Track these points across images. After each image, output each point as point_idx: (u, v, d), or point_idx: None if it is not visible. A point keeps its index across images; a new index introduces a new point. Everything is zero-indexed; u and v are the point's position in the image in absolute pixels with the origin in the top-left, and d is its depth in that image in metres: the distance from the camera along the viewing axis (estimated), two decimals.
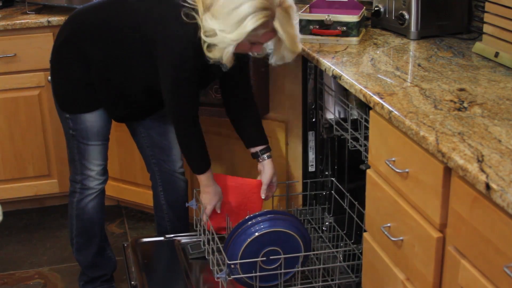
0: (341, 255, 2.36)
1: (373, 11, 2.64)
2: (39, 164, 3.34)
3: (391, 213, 1.86)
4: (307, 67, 2.55)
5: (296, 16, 2.21)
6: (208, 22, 2.10)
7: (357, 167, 2.19)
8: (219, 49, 2.12)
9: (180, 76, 2.22)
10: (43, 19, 3.15)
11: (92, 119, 2.43)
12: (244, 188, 2.52)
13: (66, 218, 3.39)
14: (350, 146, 2.30)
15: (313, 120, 2.61)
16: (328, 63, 2.24)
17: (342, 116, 2.42)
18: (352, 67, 2.20)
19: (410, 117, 1.72)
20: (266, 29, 2.11)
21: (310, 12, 2.60)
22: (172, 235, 2.65)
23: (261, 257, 2.21)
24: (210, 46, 2.13)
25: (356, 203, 2.35)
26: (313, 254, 2.44)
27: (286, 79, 2.66)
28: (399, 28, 2.55)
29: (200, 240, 2.50)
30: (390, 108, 1.79)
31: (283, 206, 2.68)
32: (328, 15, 2.48)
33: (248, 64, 2.47)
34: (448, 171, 1.57)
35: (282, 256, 2.22)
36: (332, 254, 2.45)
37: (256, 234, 2.21)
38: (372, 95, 1.91)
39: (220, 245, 2.25)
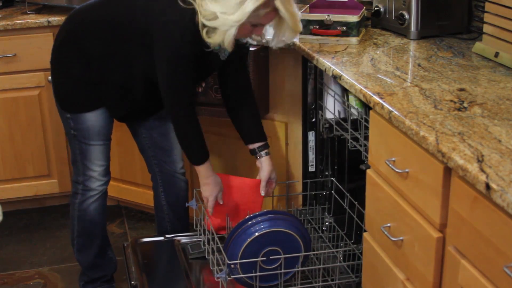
0: (341, 255, 2.36)
1: (373, 11, 2.65)
2: (39, 164, 3.34)
3: (391, 213, 1.86)
4: (307, 67, 2.55)
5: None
6: (208, 6, 2.10)
7: (357, 167, 2.19)
8: (220, 32, 2.11)
9: (177, 61, 2.21)
10: (43, 19, 3.15)
11: (93, 119, 2.43)
12: (244, 188, 2.52)
13: (66, 218, 3.40)
14: (350, 146, 2.30)
15: (313, 120, 2.61)
16: (328, 63, 2.24)
17: (342, 116, 2.41)
18: (352, 67, 2.20)
19: (410, 117, 1.72)
20: (267, 9, 2.11)
21: (310, 12, 2.60)
22: (172, 235, 2.65)
23: (261, 257, 2.21)
24: (210, 31, 2.13)
25: (356, 203, 2.35)
26: (313, 254, 2.44)
27: (286, 79, 2.66)
28: (399, 28, 2.55)
29: (200, 240, 2.51)
30: (390, 108, 1.79)
31: (283, 206, 2.68)
32: (328, 15, 2.48)
33: (247, 58, 2.46)
34: (448, 171, 1.57)
35: (282, 256, 2.22)
36: (332, 254, 2.45)
37: (256, 234, 2.21)
38: (372, 95, 1.91)
39: (220, 245, 2.25)
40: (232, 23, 2.08)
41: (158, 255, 2.62)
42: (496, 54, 2.15)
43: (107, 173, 2.55)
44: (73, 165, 2.55)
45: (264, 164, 2.46)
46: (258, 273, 2.20)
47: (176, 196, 2.68)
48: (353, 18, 2.46)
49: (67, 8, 3.28)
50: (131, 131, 2.66)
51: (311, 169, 2.69)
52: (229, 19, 2.07)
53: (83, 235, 2.60)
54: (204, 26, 2.13)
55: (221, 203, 2.46)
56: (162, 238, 2.65)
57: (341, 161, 2.63)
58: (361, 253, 2.19)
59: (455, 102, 1.82)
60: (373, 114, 1.93)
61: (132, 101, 2.44)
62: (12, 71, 3.19)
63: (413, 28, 2.49)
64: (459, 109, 1.76)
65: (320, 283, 2.30)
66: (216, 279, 2.20)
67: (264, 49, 2.64)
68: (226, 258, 2.19)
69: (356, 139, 2.26)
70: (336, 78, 2.17)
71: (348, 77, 2.08)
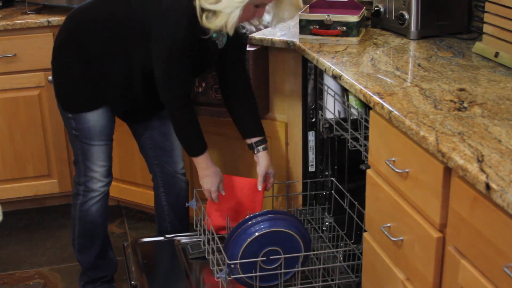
0: (341, 255, 2.36)
1: (373, 11, 2.65)
2: (39, 164, 3.34)
3: (391, 213, 1.86)
4: (307, 67, 2.55)
5: None
6: None
7: (357, 167, 2.19)
8: (223, 15, 2.12)
9: (172, 47, 2.20)
10: (43, 19, 3.15)
11: (95, 118, 2.43)
12: (244, 188, 2.52)
13: (66, 218, 3.40)
14: (350, 146, 2.30)
15: (313, 120, 2.61)
16: (328, 63, 2.24)
17: (342, 116, 2.41)
18: (352, 67, 2.20)
19: (410, 117, 1.72)
20: None
21: (310, 12, 2.60)
22: (172, 235, 2.65)
23: (261, 257, 2.21)
24: (210, 16, 2.14)
25: (356, 203, 2.35)
26: (313, 254, 2.44)
27: (286, 79, 2.66)
28: (399, 28, 2.55)
29: (200, 240, 2.51)
30: (390, 108, 1.79)
31: (283, 206, 2.68)
32: (328, 15, 2.48)
33: (245, 49, 2.46)
34: (448, 171, 1.57)
35: (282, 256, 2.22)
36: (332, 254, 2.45)
37: (256, 234, 2.21)
38: (372, 95, 1.91)
39: (220, 245, 2.25)
40: (237, 4, 2.09)
41: (158, 255, 2.62)
42: (496, 54, 2.15)
43: (109, 174, 2.54)
44: (75, 166, 2.55)
45: (261, 159, 2.46)
46: (258, 273, 2.20)
47: (176, 196, 2.68)
48: (353, 18, 2.46)
49: (67, 8, 3.28)
50: (132, 132, 2.66)
51: (311, 169, 2.69)
52: (234, 0, 2.08)
53: (84, 236, 2.60)
54: (203, 10, 2.13)
55: (223, 193, 2.45)
56: (162, 238, 2.65)
57: (341, 161, 2.63)
58: (361, 253, 2.19)
59: (455, 102, 1.82)
60: (373, 114, 1.93)
61: (133, 98, 2.43)
62: (12, 71, 3.19)
63: (413, 28, 2.49)
64: (459, 109, 1.77)
65: (320, 283, 2.30)
66: (216, 279, 2.20)
67: (264, 49, 2.64)
68: (226, 258, 2.19)
69: (356, 139, 2.26)
70: (336, 78, 2.17)
71: (348, 77, 2.08)
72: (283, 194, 2.70)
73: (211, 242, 2.31)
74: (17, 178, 3.34)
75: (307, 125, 2.62)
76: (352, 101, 2.27)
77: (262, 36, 2.61)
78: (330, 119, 2.47)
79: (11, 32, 3.13)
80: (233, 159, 2.90)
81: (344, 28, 2.46)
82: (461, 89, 1.92)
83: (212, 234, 2.31)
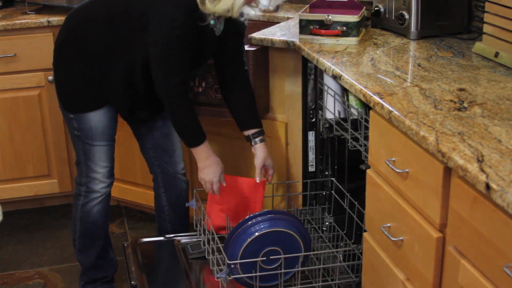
0: (341, 255, 2.36)
1: (373, 11, 2.65)
2: (39, 164, 3.34)
3: (391, 213, 1.86)
4: (307, 67, 2.55)
5: None
6: None
7: (357, 167, 2.19)
8: None
9: (172, 35, 2.20)
10: (43, 19, 3.15)
11: (97, 118, 2.42)
12: (244, 187, 2.52)
13: (66, 218, 3.40)
14: (350, 146, 2.30)
15: (313, 120, 2.61)
16: (328, 63, 2.24)
17: (342, 116, 2.42)
18: (352, 67, 2.20)
19: (410, 117, 1.72)
20: None
21: (310, 12, 2.60)
22: (172, 235, 2.65)
23: (261, 257, 2.21)
24: (214, 0, 2.13)
25: (356, 203, 2.35)
26: (313, 254, 2.44)
27: (286, 79, 2.66)
28: (399, 28, 2.55)
29: (200, 240, 2.51)
30: (390, 108, 1.79)
31: (283, 206, 2.68)
32: (328, 15, 2.48)
33: (243, 41, 2.47)
34: (448, 171, 1.57)
35: (282, 256, 2.22)
36: (332, 254, 2.45)
37: (256, 234, 2.21)
38: (372, 95, 1.91)
39: (220, 245, 2.25)
40: None
41: (158, 255, 2.62)
42: (496, 54, 2.15)
43: (110, 175, 2.54)
44: (76, 167, 2.55)
45: (258, 151, 2.46)
46: (258, 273, 2.20)
47: (177, 197, 2.68)
48: (353, 18, 2.46)
49: (67, 8, 3.28)
50: (134, 132, 2.65)
51: (311, 169, 2.69)
52: None
53: (85, 236, 2.60)
54: None
55: (224, 184, 2.44)
56: (162, 238, 2.65)
57: (341, 161, 2.63)
58: (361, 253, 2.19)
59: (455, 102, 1.82)
60: (373, 114, 1.93)
61: (136, 96, 2.41)
62: (12, 71, 3.19)
63: (413, 28, 2.49)
64: (459, 109, 1.76)
65: (320, 283, 2.31)
66: (216, 279, 2.20)
67: (264, 49, 2.64)
68: (226, 258, 2.19)
69: (356, 139, 2.26)
70: (336, 78, 2.17)
71: (348, 77, 2.08)
72: (283, 194, 2.70)
73: (211, 242, 2.31)
74: (17, 178, 3.34)
75: (307, 125, 2.62)
76: (352, 101, 2.27)
77: (262, 36, 2.61)
78: (330, 119, 2.47)
79: (11, 32, 3.13)
80: (233, 159, 2.90)
81: (344, 28, 2.46)
82: (461, 89, 1.92)
83: (212, 234, 2.31)
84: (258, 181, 2.48)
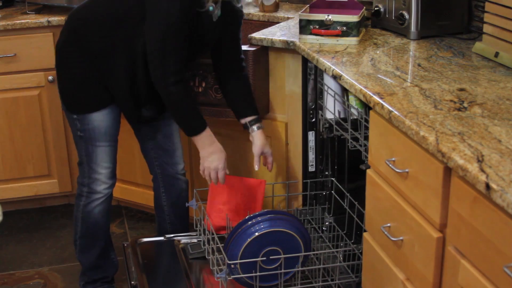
0: (341, 255, 2.36)
1: (373, 11, 2.65)
2: (39, 164, 3.34)
3: (391, 213, 1.86)
4: (307, 67, 2.55)
5: None
6: None
7: (357, 167, 2.19)
8: None
9: (170, 21, 2.19)
10: (43, 19, 3.15)
11: (100, 118, 2.42)
12: (244, 187, 2.52)
13: (66, 218, 3.40)
14: (350, 146, 2.30)
15: (313, 120, 2.61)
16: (328, 63, 2.24)
17: (342, 116, 2.42)
18: (352, 67, 2.20)
19: (410, 117, 1.72)
20: None
21: (310, 12, 2.60)
22: (172, 235, 2.65)
23: (261, 257, 2.21)
24: None
25: (356, 203, 2.35)
26: (313, 254, 2.44)
27: (286, 79, 2.66)
28: (399, 28, 2.55)
29: (200, 240, 2.51)
30: (390, 108, 1.79)
31: (283, 206, 2.68)
32: (328, 15, 2.48)
33: (240, 29, 2.47)
34: (448, 171, 1.57)
35: (282, 256, 2.22)
36: (332, 254, 2.45)
37: (256, 234, 2.21)
38: (372, 95, 1.91)
39: (220, 245, 2.25)
40: None
41: (158, 255, 2.62)
42: (496, 54, 2.15)
43: (113, 176, 2.54)
44: (79, 167, 2.54)
45: (256, 139, 2.46)
46: (258, 273, 2.20)
47: (177, 197, 2.68)
48: (353, 18, 2.46)
49: (67, 8, 3.28)
50: (135, 132, 2.65)
51: (311, 169, 2.69)
52: None
53: (86, 236, 2.60)
54: None
55: (227, 172, 2.42)
56: (162, 238, 2.65)
57: (341, 161, 2.63)
58: (361, 253, 2.19)
59: (455, 102, 1.82)
60: (373, 114, 1.93)
61: (139, 93, 2.39)
62: (12, 71, 3.19)
63: (413, 28, 2.49)
64: (459, 109, 1.76)
65: (320, 283, 2.31)
66: (216, 279, 2.20)
67: (264, 49, 2.64)
68: (226, 258, 2.19)
69: (356, 139, 2.26)
70: (336, 78, 2.17)
71: (348, 77, 2.08)
72: (283, 194, 2.70)
73: (211, 242, 2.31)
74: (17, 178, 3.35)
75: (307, 125, 2.62)
76: (352, 101, 2.27)
77: (262, 36, 2.61)
78: (330, 119, 2.47)
79: (11, 32, 3.14)
80: (233, 159, 2.90)
81: (344, 28, 2.46)
82: (461, 89, 1.92)
83: (212, 234, 2.31)
84: (256, 169, 2.46)
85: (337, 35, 2.47)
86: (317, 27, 2.49)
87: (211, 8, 2.26)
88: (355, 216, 2.37)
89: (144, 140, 2.63)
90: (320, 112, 2.55)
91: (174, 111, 2.34)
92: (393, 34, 2.58)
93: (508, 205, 1.30)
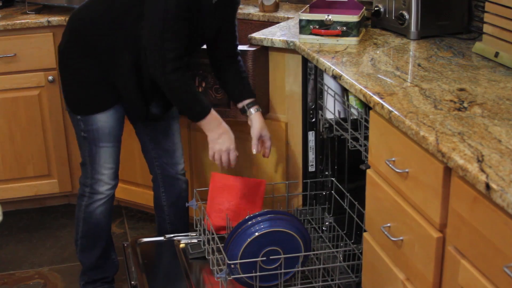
0: (341, 255, 2.36)
1: (373, 11, 2.65)
2: (39, 164, 3.34)
3: (391, 213, 1.86)
4: (307, 67, 2.55)
5: None
6: None
7: (357, 167, 2.19)
8: None
9: (168, 7, 2.18)
10: (43, 19, 3.15)
11: (103, 119, 2.42)
12: (244, 188, 2.52)
13: (66, 218, 3.40)
14: (350, 146, 2.30)
15: (313, 120, 2.61)
16: (328, 63, 2.24)
17: (342, 116, 2.42)
18: (352, 67, 2.20)
19: (410, 117, 1.72)
20: None
21: (310, 12, 2.60)
22: (172, 235, 2.65)
23: (261, 257, 2.21)
24: None
25: (356, 203, 2.35)
26: (313, 254, 2.44)
27: (286, 79, 2.66)
28: (399, 28, 2.55)
29: (200, 240, 2.51)
30: (390, 108, 1.79)
31: (283, 206, 2.68)
32: (328, 15, 2.48)
33: (236, 15, 2.48)
34: (448, 171, 1.57)
35: (282, 256, 2.22)
36: (332, 254, 2.45)
37: (256, 234, 2.21)
38: (372, 95, 1.91)
39: (220, 245, 2.25)
40: None
41: (158, 255, 2.62)
42: (496, 54, 2.15)
43: (115, 177, 2.54)
44: (81, 167, 2.54)
45: (254, 121, 2.44)
46: (258, 273, 2.20)
47: (177, 197, 2.68)
48: (353, 18, 2.46)
49: (67, 8, 3.28)
50: (136, 132, 2.64)
51: (311, 169, 2.69)
52: None
53: (87, 237, 2.60)
54: None
55: (237, 154, 2.39)
56: (162, 238, 2.65)
57: (341, 161, 2.63)
58: (361, 253, 2.19)
59: (455, 102, 1.82)
60: (373, 114, 1.93)
61: (145, 87, 2.39)
62: (12, 71, 3.19)
63: (413, 28, 2.49)
64: (459, 109, 1.77)
65: (320, 283, 2.30)
66: (216, 279, 2.20)
67: (264, 49, 2.64)
68: (226, 258, 2.19)
69: (356, 139, 2.26)
70: (336, 78, 2.17)
71: (348, 77, 2.08)
72: (283, 194, 2.70)
73: (211, 242, 2.31)
74: (17, 178, 3.34)
75: (307, 125, 2.62)
76: (352, 101, 2.27)
77: (262, 36, 2.62)
78: (330, 119, 2.47)
79: (11, 32, 3.14)
80: None
81: (344, 28, 2.46)
82: (461, 89, 1.92)
83: (212, 234, 2.31)
84: (254, 152, 2.44)
85: (337, 35, 2.47)
86: (317, 27, 2.49)
87: None
88: (355, 216, 2.37)
89: (145, 140, 2.63)
90: (320, 112, 2.55)
91: (175, 99, 2.33)
92: (393, 34, 2.58)
93: (508, 205, 1.30)
